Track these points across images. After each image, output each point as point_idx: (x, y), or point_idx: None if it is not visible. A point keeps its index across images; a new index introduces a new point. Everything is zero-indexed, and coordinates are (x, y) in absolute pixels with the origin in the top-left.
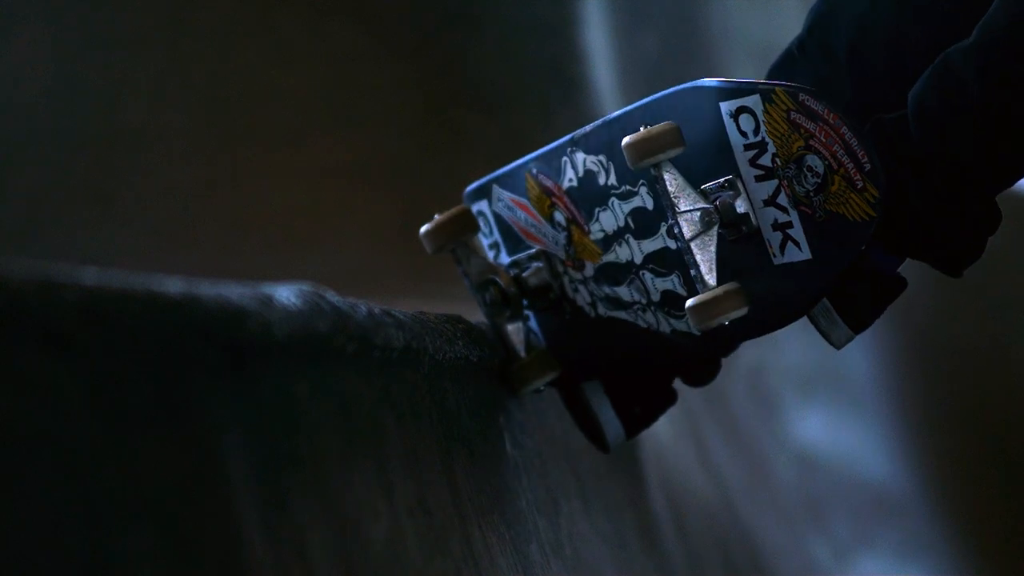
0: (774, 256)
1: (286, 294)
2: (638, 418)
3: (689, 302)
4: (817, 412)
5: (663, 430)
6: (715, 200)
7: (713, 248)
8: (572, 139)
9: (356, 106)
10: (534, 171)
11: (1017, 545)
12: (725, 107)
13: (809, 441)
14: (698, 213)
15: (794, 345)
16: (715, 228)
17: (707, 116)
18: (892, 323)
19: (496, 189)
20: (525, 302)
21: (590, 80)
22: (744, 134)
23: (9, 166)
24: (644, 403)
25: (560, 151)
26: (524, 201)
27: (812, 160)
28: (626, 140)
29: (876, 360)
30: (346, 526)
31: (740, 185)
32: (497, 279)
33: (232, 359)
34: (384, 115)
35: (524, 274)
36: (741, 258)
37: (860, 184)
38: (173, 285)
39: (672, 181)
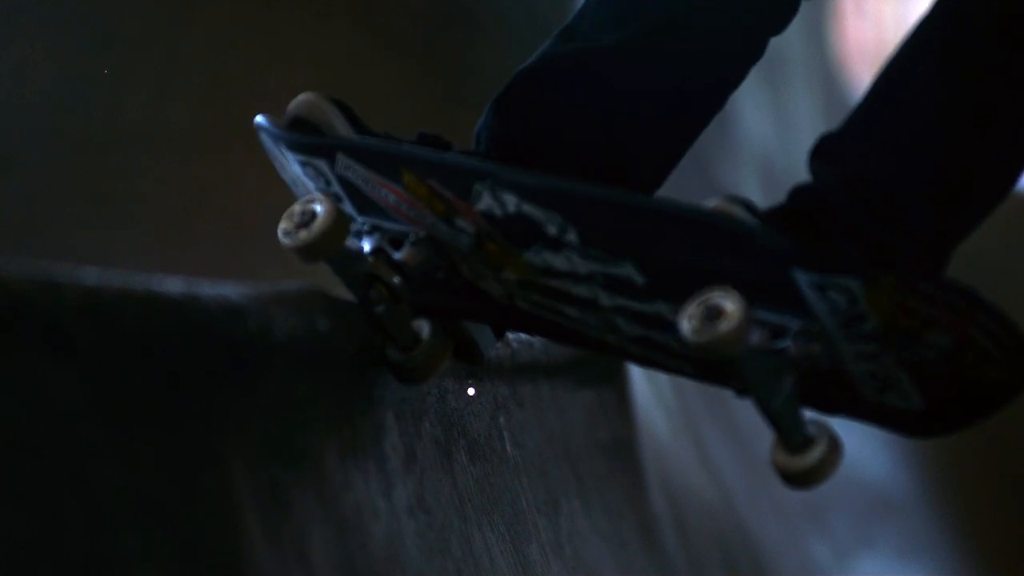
0: (867, 394)
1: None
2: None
3: (781, 464)
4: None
5: (663, 430)
6: (787, 346)
7: (796, 405)
8: (490, 174)
9: (356, 106)
10: (419, 172)
11: (1017, 545)
12: (804, 277)
13: None
14: (771, 370)
15: None
16: (793, 383)
17: (767, 266)
18: None
19: (343, 158)
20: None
21: None
22: (834, 303)
23: (9, 166)
24: None
25: (465, 174)
26: (398, 188)
27: (937, 337)
28: (694, 339)
29: None
30: (346, 526)
31: (824, 335)
32: (378, 274)
33: (232, 359)
34: (384, 115)
35: (400, 255)
36: (824, 391)
37: (999, 356)
38: (173, 285)
39: (743, 354)
